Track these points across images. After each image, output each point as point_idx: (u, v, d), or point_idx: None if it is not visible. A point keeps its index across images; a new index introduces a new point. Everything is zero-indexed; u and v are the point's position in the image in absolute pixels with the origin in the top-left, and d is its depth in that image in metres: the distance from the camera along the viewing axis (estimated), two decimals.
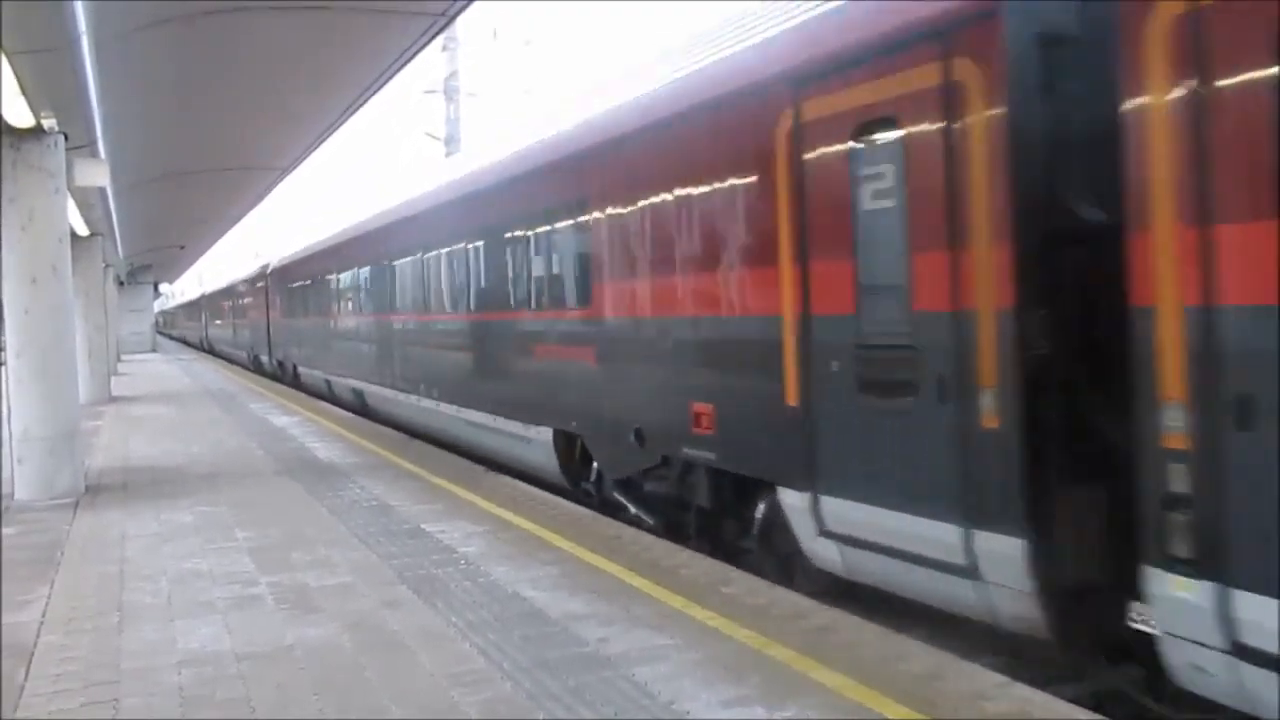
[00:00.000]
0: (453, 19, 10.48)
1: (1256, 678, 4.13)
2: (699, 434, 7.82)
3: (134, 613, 6.51)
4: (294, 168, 19.44)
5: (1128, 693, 5.49)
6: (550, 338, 10.72)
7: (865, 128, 6.06)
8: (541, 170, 10.84)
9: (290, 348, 27.97)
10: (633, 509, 9.34)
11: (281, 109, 14.24)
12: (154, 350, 51.35)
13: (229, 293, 44.15)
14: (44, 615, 6.55)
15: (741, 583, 6.74)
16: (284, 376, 28.95)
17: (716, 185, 7.58)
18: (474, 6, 9.46)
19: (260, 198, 24.52)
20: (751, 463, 7.38)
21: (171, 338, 79.36)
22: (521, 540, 8.14)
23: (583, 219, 9.69)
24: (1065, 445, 5.21)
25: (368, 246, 18.78)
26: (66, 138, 11.07)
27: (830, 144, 6.35)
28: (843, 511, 6.35)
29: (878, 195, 6.01)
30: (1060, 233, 5.19)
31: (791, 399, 6.73)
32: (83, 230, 21.32)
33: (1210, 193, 4.18)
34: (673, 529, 8.77)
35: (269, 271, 31.43)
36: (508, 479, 11.19)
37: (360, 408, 19.95)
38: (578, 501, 9.97)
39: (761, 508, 7.47)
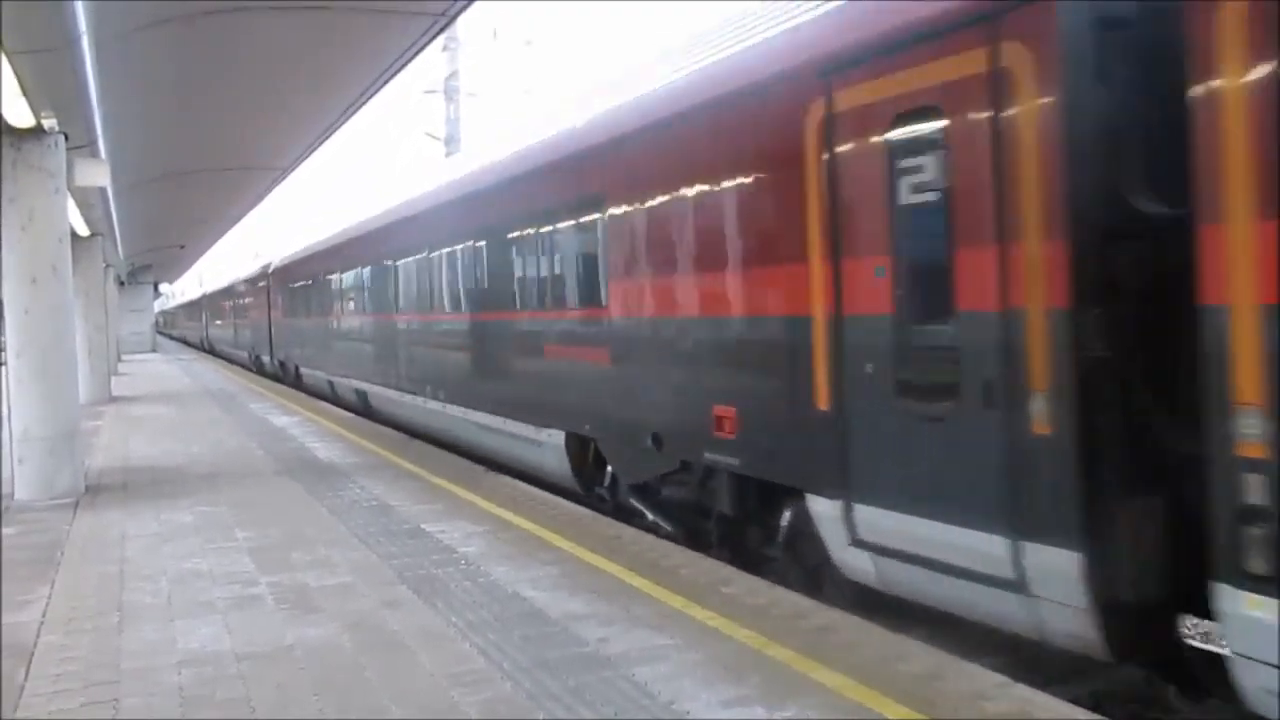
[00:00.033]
0: (453, 19, 10.47)
1: None
2: (721, 438, 7.54)
3: (134, 613, 6.51)
4: (294, 168, 19.44)
5: (1127, 693, 5.50)
6: (563, 338, 10.44)
7: (904, 117, 5.76)
8: (555, 166, 10.55)
9: (292, 348, 27.82)
10: (650, 515, 9.08)
11: (281, 109, 14.23)
12: (154, 350, 51.34)
13: (230, 293, 44.08)
14: (44, 615, 6.55)
15: (741, 583, 6.73)
16: (285, 377, 28.85)
17: (740, 179, 7.31)
18: (474, 6, 9.46)
19: (260, 198, 24.51)
20: (778, 469, 7.08)
21: (172, 338, 79.33)
22: (521, 540, 8.14)
23: (597, 215, 9.40)
24: (1123, 453, 4.90)
25: (373, 245, 18.46)
26: (67, 138, 11.07)
27: (865, 135, 6.04)
28: (877, 520, 6.06)
29: (918, 188, 5.71)
30: (1117, 227, 4.90)
31: (822, 402, 6.44)
32: (83, 230, 21.31)
33: None
34: (693, 536, 8.51)
35: (270, 271, 31.31)
36: (508, 479, 11.18)
37: (364, 409, 19.73)
38: (591, 506, 9.75)
39: (787, 515, 7.21)
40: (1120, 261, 4.91)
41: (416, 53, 11.10)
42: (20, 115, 9.94)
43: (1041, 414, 4.98)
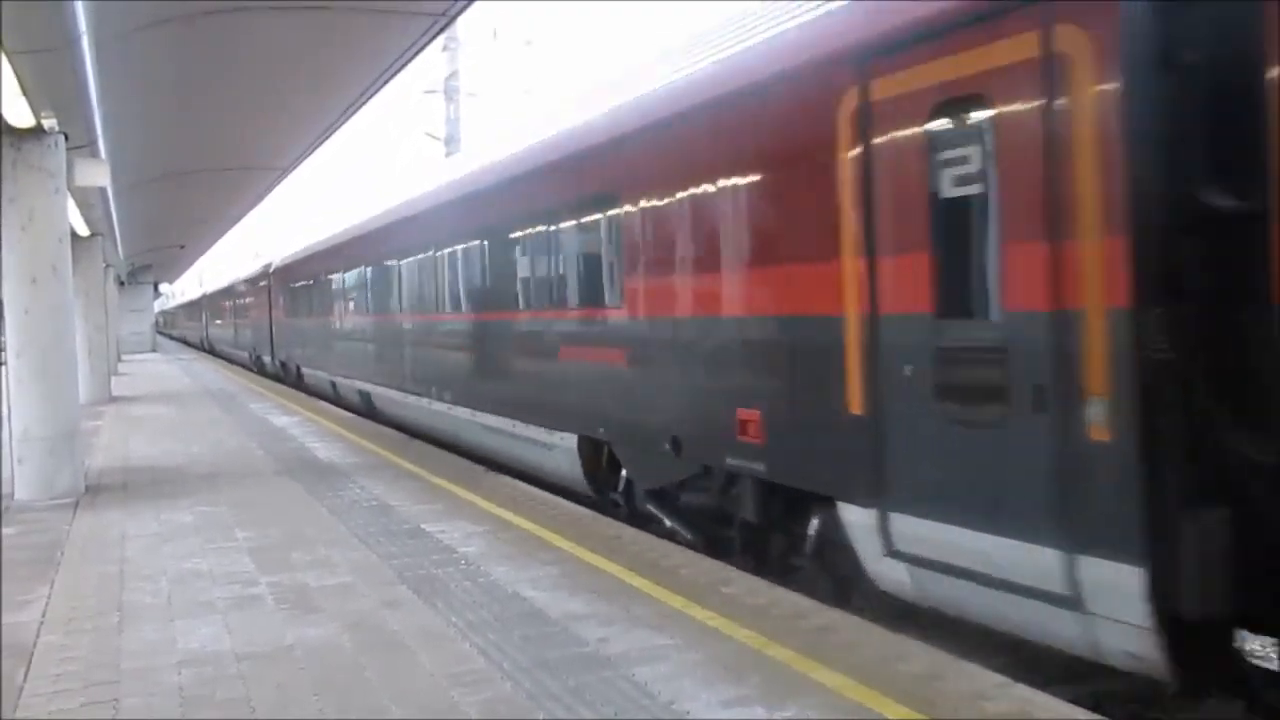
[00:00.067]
0: (453, 19, 10.48)
1: None
2: (745, 443, 7.22)
3: (134, 613, 6.51)
4: (294, 168, 19.45)
5: (1127, 693, 5.48)
6: (576, 338, 10.11)
7: (946, 106, 5.46)
8: (568, 161, 10.22)
9: (294, 348, 27.65)
10: (668, 522, 8.76)
11: (281, 109, 14.24)
12: (154, 350, 51.36)
13: (230, 292, 44.03)
14: (44, 615, 6.55)
15: (741, 583, 6.73)
16: (287, 377, 28.76)
17: (768, 173, 7.01)
18: (474, 6, 9.46)
19: (260, 198, 24.53)
20: (807, 475, 6.78)
21: (172, 338, 79.36)
22: (521, 540, 8.14)
23: (612, 211, 9.08)
24: (1188, 461, 4.59)
25: (379, 244, 18.07)
26: (67, 138, 11.07)
27: (903, 126, 5.72)
28: (915, 530, 5.76)
29: (961, 181, 5.41)
30: (1183, 221, 4.62)
31: (855, 407, 6.11)
32: (83, 230, 21.32)
33: None
34: (713, 544, 8.22)
35: (272, 271, 31.17)
36: (507, 479, 11.17)
37: (368, 410, 19.48)
38: (604, 512, 9.53)
39: (815, 523, 6.93)
40: (1185, 258, 4.62)
41: (416, 53, 11.10)
42: (20, 115, 9.94)
43: (1099, 419, 4.69)
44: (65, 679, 5.36)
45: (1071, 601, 4.87)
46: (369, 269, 19.18)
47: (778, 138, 6.91)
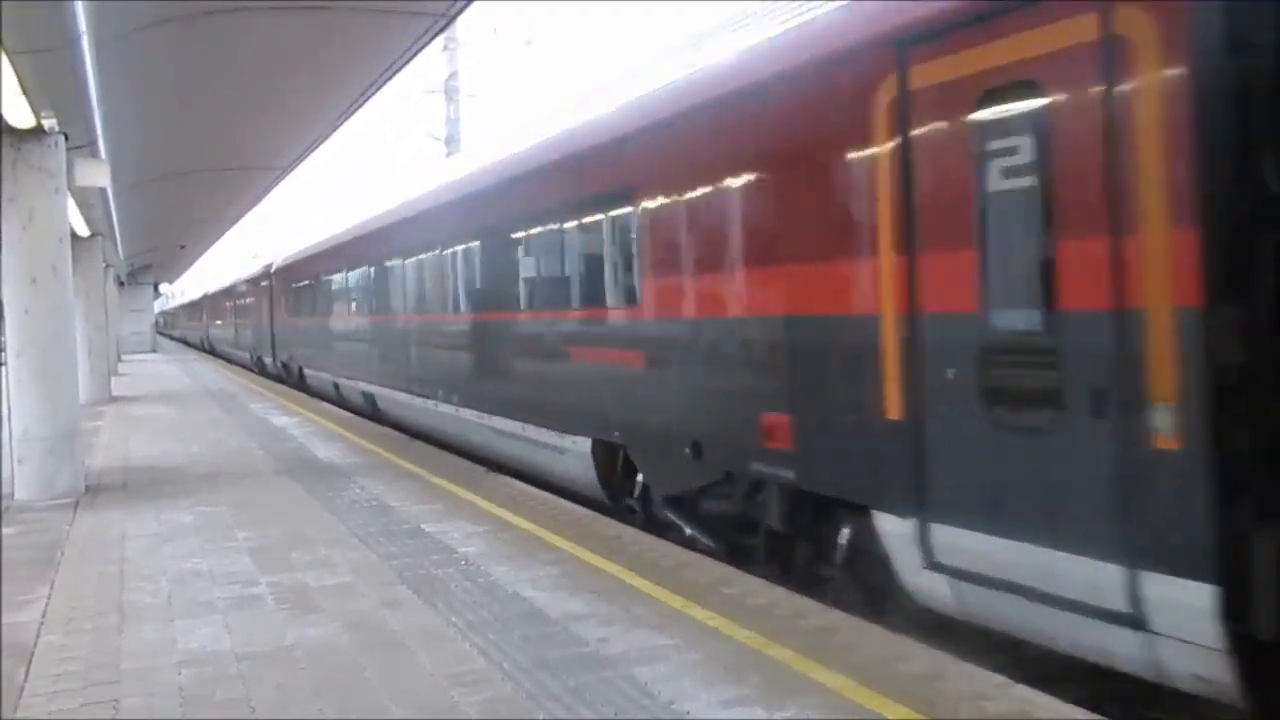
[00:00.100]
0: (453, 19, 10.49)
1: None
2: (772, 448, 6.92)
3: (134, 613, 6.51)
4: (294, 168, 19.46)
5: (1127, 693, 5.47)
6: (590, 339, 9.77)
7: (995, 94, 5.18)
8: (582, 157, 9.94)
9: (296, 349, 27.46)
10: (688, 530, 8.45)
11: (281, 109, 14.25)
12: (154, 350, 51.39)
13: (231, 293, 43.95)
14: (44, 615, 6.55)
15: (742, 583, 6.73)
16: (288, 378, 28.67)
17: (797, 166, 6.70)
18: (474, 6, 9.47)
19: (260, 198, 24.54)
20: (839, 482, 6.46)
21: (172, 338, 79.39)
22: (521, 540, 8.14)
23: (630, 208, 8.79)
24: (1264, 471, 4.32)
25: (385, 243, 17.80)
26: (67, 138, 11.07)
27: (947, 115, 5.45)
28: (959, 542, 5.46)
29: (1011, 173, 5.13)
30: (1256, 215, 4.38)
31: (893, 411, 5.83)
32: (83, 230, 21.32)
33: None
34: (735, 552, 7.93)
35: (273, 271, 31.05)
36: (507, 479, 11.17)
37: (371, 412, 19.22)
38: (619, 518, 9.33)
39: (846, 533, 6.64)
40: (1259, 254, 4.38)
41: (416, 53, 11.11)
42: (20, 115, 9.95)
43: (1166, 426, 4.42)
44: (65, 679, 5.37)
45: (1133, 620, 4.62)
46: (375, 269, 18.87)
47: (810, 129, 6.61)
